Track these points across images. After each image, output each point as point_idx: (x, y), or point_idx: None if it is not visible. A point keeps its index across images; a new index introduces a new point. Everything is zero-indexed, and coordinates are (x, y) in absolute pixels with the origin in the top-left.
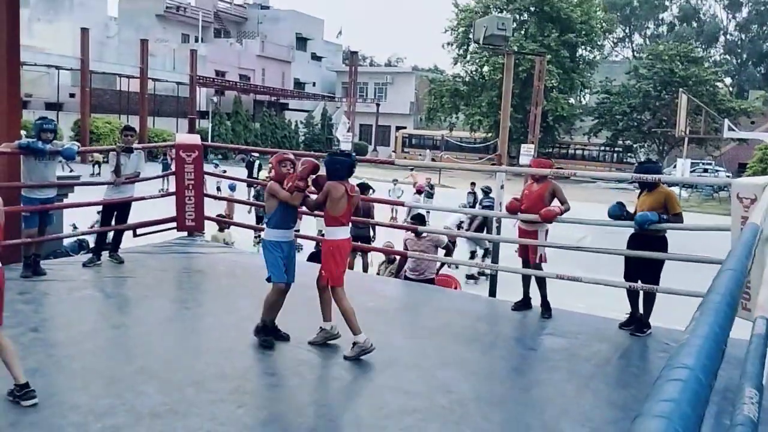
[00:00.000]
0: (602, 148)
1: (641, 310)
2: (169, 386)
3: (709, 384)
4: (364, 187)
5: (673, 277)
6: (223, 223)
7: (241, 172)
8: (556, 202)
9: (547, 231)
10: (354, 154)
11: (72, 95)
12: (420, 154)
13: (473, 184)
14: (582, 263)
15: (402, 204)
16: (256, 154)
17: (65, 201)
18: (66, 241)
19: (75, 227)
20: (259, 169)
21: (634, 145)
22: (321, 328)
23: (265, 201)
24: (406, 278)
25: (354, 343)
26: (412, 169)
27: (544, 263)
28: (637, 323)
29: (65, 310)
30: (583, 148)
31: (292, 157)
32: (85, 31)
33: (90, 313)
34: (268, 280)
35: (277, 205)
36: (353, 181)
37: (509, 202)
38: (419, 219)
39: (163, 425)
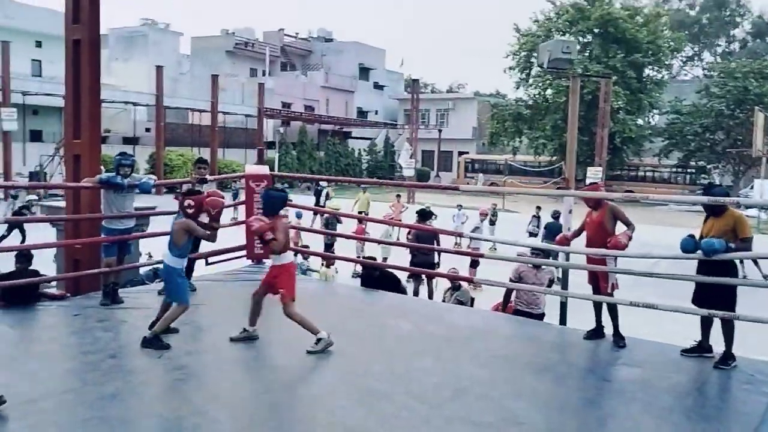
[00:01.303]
0: (674, 169)
1: (710, 340)
2: (240, 413)
3: None
4: (426, 215)
5: (745, 303)
6: (294, 251)
7: (307, 199)
8: (620, 225)
9: (616, 258)
10: (287, 189)
11: (147, 130)
12: (473, 178)
13: (539, 208)
14: (656, 289)
15: (461, 235)
16: (324, 183)
17: (143, 231)
18: (142, 270)
19: (150, 256)
20: (326, 197)
21: (708, 166)
22: (245, 329)
23: (176, 233)
24: (517, 311)
25: (318, 340)
26: (399, 196)
27: (616, 290)
28: (721, 357)
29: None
30: (654, 169)
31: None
32: (159, 69)
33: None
34: (173, 301)
35: (188, 238)
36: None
37: (559, 237)
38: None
39: None
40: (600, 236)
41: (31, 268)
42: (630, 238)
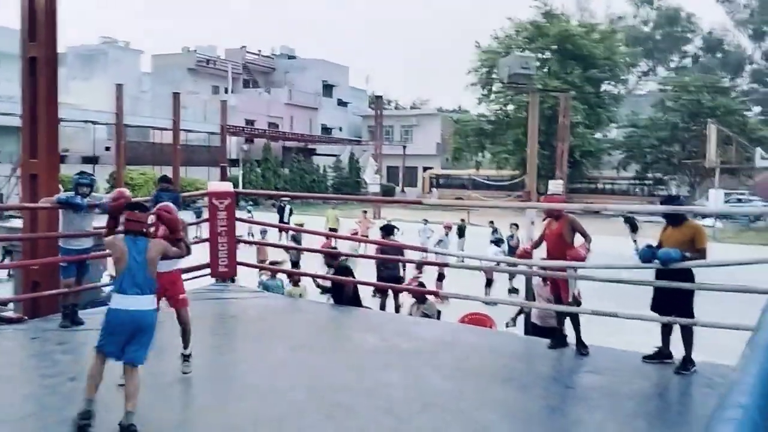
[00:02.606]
0: (632, 181)
1: (670, 346)
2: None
3: (765, 425)
4: (390, 230)
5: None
6: (260, 268)
7: (272, 217)
8: (578, 237)
9: (576, 269)
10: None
11: (107, 148)
12: (428, 193)
13: (491, 222)
14: (617, 300)
15: (425, 250)
16: (287, 199)
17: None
18: (104, 290)
19: (112, 277)
20: (290, 213)
21: (665, 178)
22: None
23: (152, 261)
24: (534, 326)
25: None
26: (365, 212)
27: (579, 299)
28: (681, 362)
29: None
30: (612, 182)
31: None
32: (119, 87)
33: None
34: (139, 362)
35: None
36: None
37: (520, 251)
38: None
39: None
40: (559, 247)
41: None
42: (588, 250)
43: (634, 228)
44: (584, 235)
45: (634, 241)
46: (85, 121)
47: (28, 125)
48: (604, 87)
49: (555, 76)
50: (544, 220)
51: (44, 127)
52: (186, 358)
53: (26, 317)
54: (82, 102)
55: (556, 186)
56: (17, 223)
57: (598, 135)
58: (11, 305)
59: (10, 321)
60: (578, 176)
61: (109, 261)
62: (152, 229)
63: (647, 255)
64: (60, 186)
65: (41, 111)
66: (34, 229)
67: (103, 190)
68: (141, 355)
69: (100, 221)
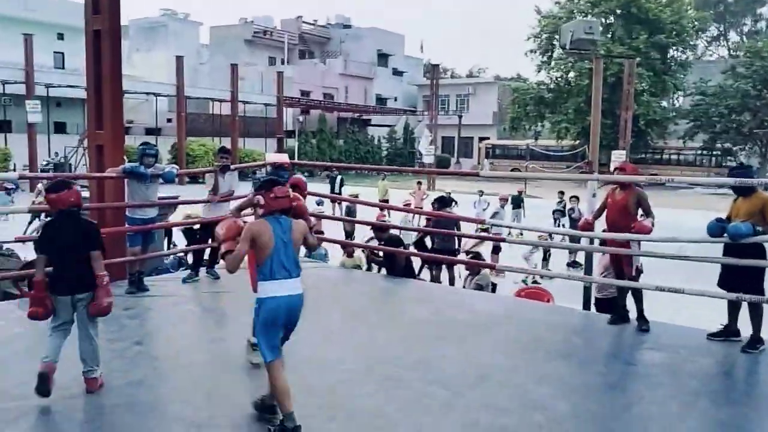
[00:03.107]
0: (699, 152)
1: (738, 324)
2: None
3: None
4: (445, 202)
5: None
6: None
7: (326, 188)
8: (640, 212)
9: (639, 243)
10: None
11: (169, 120)
12: (478, 165)
13: (561, 193)
14: (682, 274)
15: (483, 221)
16: (336, 171)
17: (166, 221)
18: (167, 259)
19: (174, 245)
20: (341, 184)
21: (734, 148)
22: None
23: (297, 244)
24: (598, 301)
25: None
26: (419, 183)
27: (641, 274)
28: (749, 341)
29: (167, 325)
30: (678, 152)
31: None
32: (179, 59)
33: (190, 327)
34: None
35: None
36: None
37: (582, 222)
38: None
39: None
40: (623, 219)
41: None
42: (652, 225)
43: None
44: (648, 212)
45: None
46: (147, 93)
47: (94, 97)
48: (671, 53)
49: (619, 42)
50: (602, 186)
51: (109, 99)
52: (254, 346)
53: None
54: (144, 74)
55: (618, 156)
56: (84, 193)
57: (663, 103)
58: None
59: None
60: (642, 146)
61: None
62: (292, 206)
63: (715, 229)
64: (124, 157)
65: (106, 83)
66: (101, 199)
67: (165, 161)
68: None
69: (164, 192)
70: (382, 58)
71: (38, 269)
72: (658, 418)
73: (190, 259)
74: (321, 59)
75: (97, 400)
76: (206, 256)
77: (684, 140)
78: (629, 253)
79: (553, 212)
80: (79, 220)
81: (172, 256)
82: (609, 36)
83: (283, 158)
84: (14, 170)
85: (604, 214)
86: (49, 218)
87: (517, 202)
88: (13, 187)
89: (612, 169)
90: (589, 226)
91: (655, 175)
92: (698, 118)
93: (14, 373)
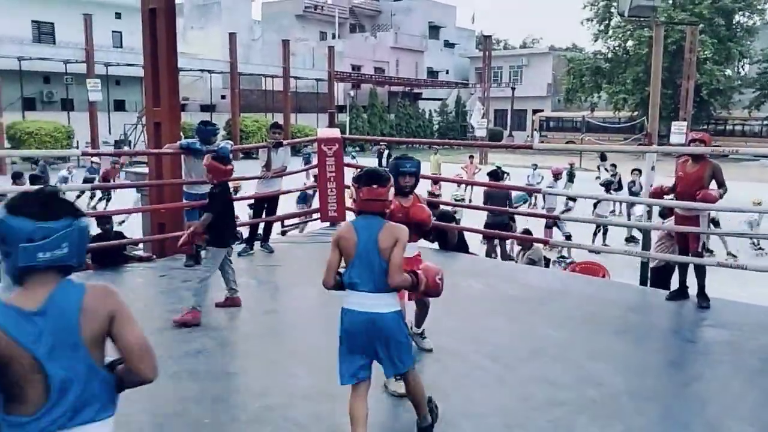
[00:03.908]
0: (765, 122)
1: None
2: (317, 370)
3: None
4: (497, 176)
5: None
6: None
7: (375, 163)
8: (713, 185)
9: (708, 216)
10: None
11: (223, 97)
12: (529, 137)
13: (614, 165)
14: (745, 249)
15: (537, 191)
16: (385, 144)
17: None
18: None
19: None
20: (389, 158)
21: None
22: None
23: (386, 252)
24: (652, 271)
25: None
26: (471, 157)
27: (708, 253)
28: None
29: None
30: (743, 123)
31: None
32: (232, 36)
33: (246, 299)
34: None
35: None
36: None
37: (655, 188)
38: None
39: (314, 406)
40: (694, 191)
41: (112, 228)
42: (720, 197)
43: (603, 157)
44: (722, 184)
45: (606, 169)
46: (202, 71)
47: (150, 75)
48: (737, 18)
49: (681, 8)
50: (678, 158)
51: (165, 77)
52: (422, 335)
53: (155, 256)
54: (198, 51)
55: (679, 128)
56: (143, 169)
57: (728, 71)
58: (141, 245)
59: (140, 259)
60: (705, 117)
61: None
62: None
63: None
64: (181, 133)
65: (162, 61)
66: (159, 174)
67: (220, 138)
68: (405, 360)
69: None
70: (434, 30)
71: (203, 224)
72: (718, 397)
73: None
74: (372, 33)
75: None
76: (260, 231)
77: (749, 110)
78: (696, 229)
79: (606, 184)
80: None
81: None
82: (670, 2)
83: (334, 133)
84: (77, 147)
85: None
86: (214, 188)
87: (569, 176)
88: (99, 163)
89: (687, 140)
90: (661, 194)
91: (718, 146)
92: (765, 87)
93: None
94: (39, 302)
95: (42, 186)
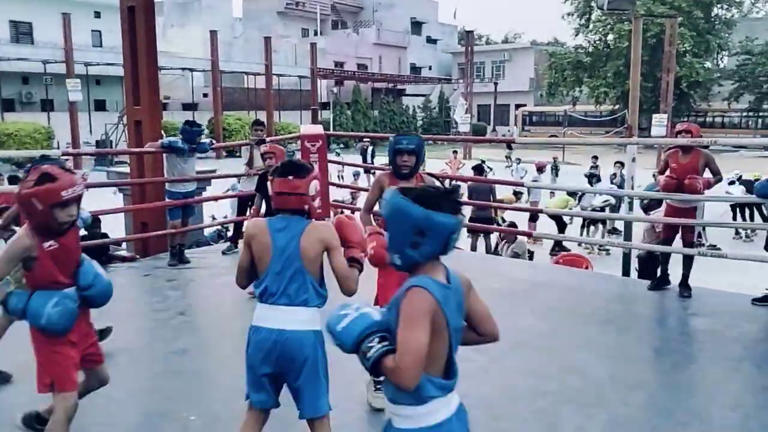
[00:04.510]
0: (744, 113)
1: None
2: None
3: None
4: (481, 170)
5: None
6: (349, 209)
7: (359, 159)
8: (707, 174)
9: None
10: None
11: (205, 95)
12: (509, 132)
13: (595, 158)
14: (725, 239)
15: (521, 184)
16: (368, 141)
17: (204, 194)
18: (206, 231)
19: (213, 218)
20: (373, 155)
21: None
22: None
23: (310, 257)
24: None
25: None
26: (455, 152)
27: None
28: None
29: (209, 295)
30: (723, 114)
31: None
32: (213, 34)
33: (230, 297)
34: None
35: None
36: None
37: (665, 181)
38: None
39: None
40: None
41: (101, 231)
42: (711, 185)
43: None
44: (716, 172)
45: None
46: (183, 69)
47: (130, 73)
48: (715, 11)
49: (660, 1)
50: (666, 150)
51: (145, 75)
52: (377, 384)
53: (138, 256)
54: (179, 50)
55: (659, 120)
56: (125, 168)
57: (707, 64)
58: (124, 245)
59: (123, 259)
60: (685, 109)
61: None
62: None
63: (765, 190)
64: (162, 132)
65: (141, 59)
66: (141, 173)
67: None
68: (320, 403)
69: (202, 166)
70: (416, 26)
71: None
72: (701, 384)
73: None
74: (354, 29)
75: (142, 367)
76: (244, 228)
77: (729, 102)
78: (689, 223)
79: (589, 176)
80: None
81: (212, 229)
82: None
83: (318, 129)
84: (57, 148)
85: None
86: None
87: (554, 171)
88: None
89: (675, 132)
90: (672, 185)
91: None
92: (744, 79)
93: None
94: (444, 278)
95: (443, 186)
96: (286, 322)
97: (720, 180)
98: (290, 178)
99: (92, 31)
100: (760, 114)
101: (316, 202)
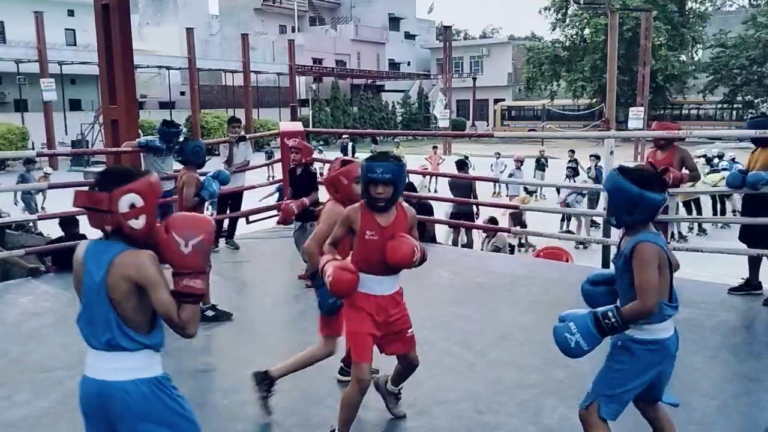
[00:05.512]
0: (719, 105)
1: (759, 277)
2: None
3: None
4: (464, 165)
5: None
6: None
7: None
8: (685, 171)
9: (677, 202)
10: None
11: (182, 93)
12: (508, 125)
13: (572, 152)
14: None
15: (497, 180)
16: (347, 137)
17: None
18: None
19: None
20: (353, 151)
21: (756, 100)
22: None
23: (121, 290)
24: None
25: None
26: (435, 147)
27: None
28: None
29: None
30: (698, 107)
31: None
32: (190, 31)
33: (213, 296)
34: None
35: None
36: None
37: (675, 178)
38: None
39: (286, 401)
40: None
41: (79, 232)
42: (684, 180)
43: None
44: (693, 169)
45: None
46: (159, 67)
47: (106, 72)
48: (689, 4)
49: None
50: (652, 148)
51: (121, 73)
52: (398, 396)
53: None
54: (155, 48)
55: (636, 113)
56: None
57: (682, 57)
58: None
59: None
60: (661, 102)
61: None
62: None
63: (736, 180)
64: (139, 131)
65: (117, 57)
66: None
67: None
68: None
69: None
70: (394, 22)
71: (312, 200)
72: (681, 373)
73: None
74: (332, 25)
75: None
76: (225, 227)
77: (704, 94)
78: (668, 219)
79: (571, 170)
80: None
81: None
82: None
83: (297, 126)
84: (32, 149)
85: None
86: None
87: (540, 165)
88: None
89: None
90: (681, 181)
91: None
92: (718, 71)
93: (46, 345)
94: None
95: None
96: (105, 372)
97: (696, 177)
98: (95, 189)
99: (66, 29)
100: (734, 106)
101: (140, 221)
